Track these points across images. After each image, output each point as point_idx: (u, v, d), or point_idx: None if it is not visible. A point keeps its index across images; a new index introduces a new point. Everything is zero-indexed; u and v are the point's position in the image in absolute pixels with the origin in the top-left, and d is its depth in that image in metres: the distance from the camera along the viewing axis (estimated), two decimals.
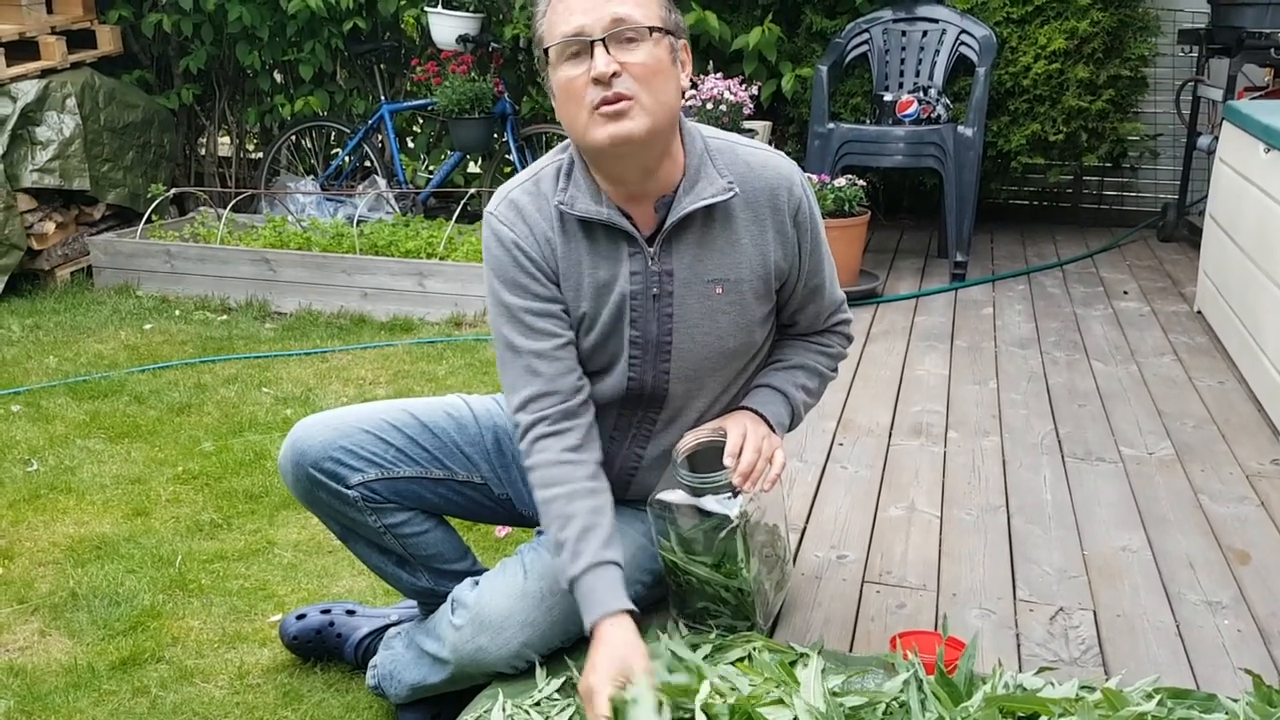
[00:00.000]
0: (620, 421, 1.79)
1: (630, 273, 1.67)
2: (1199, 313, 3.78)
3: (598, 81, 1.54)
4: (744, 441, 1.69)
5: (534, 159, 5.03)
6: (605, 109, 1.55)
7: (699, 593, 1.77)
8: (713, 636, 1.73)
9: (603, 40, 1.53)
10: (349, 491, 1.76)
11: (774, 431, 1.77)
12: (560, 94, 1.59)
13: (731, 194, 1.66)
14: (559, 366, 1.69)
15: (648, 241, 1.67)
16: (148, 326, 4.18)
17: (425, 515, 1.85)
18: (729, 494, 1.69)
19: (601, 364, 1.74)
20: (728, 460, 1.67)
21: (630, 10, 1.54)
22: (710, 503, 1.69)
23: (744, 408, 1.79)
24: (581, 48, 1.55)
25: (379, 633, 2.00)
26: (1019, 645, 1.87)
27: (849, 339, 1.93)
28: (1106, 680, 1.68)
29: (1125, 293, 4.10)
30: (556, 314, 1.70)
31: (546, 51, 1.59)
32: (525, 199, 1.70)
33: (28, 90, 4.62)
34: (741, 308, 1.71)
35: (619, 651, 1.53)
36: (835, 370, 1.92)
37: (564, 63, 1.57)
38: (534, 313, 1.69)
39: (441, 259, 4.32)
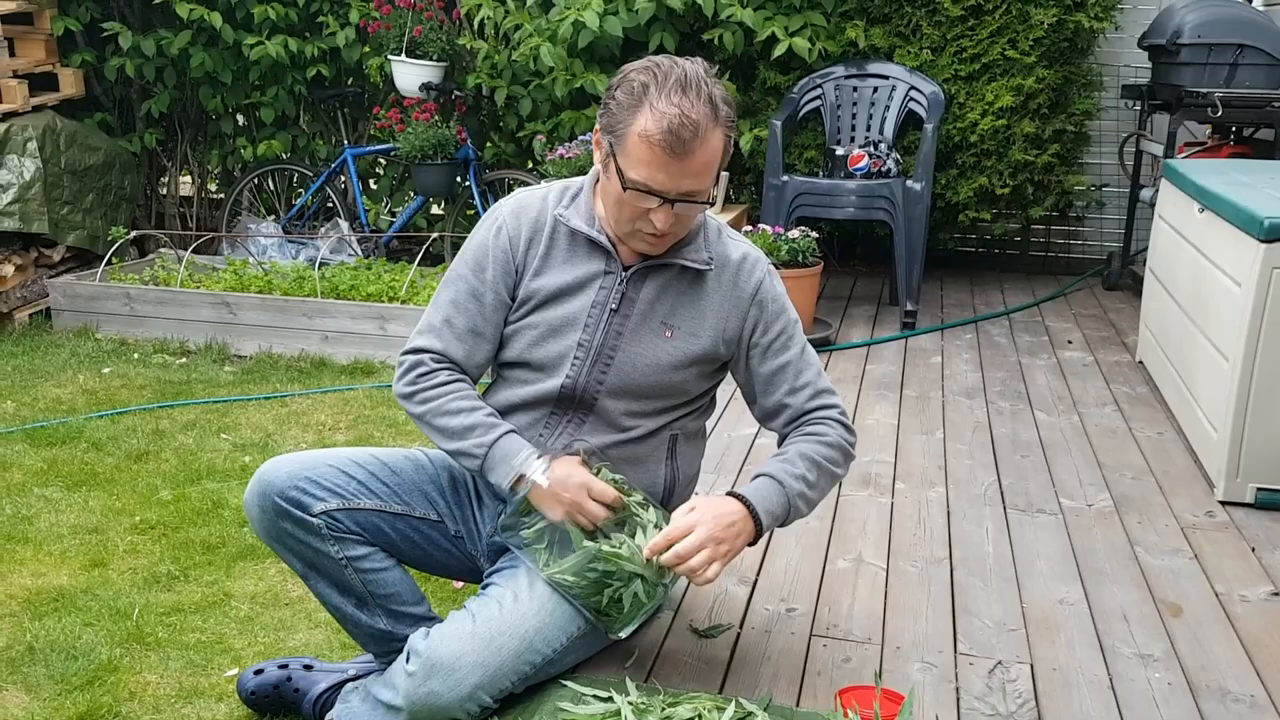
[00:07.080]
0: (550, 419, 1.93)
1: (599, 286, 1.88)
2: (1140, 363, 3.90)
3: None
4: (687, 535, 1.75)
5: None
6: (647, 237, 1.81)
7: (596, 584, 1.82)
8: (662, 698, 1.78)
9: (671, 202, 1.75)
10: (313, 519, 1.85)
11: (760, 527, 1.81)
12: (613, 192, 1.79)
13: (708, 269, 1.91)
14: (459, 348, 1.90)
15: (624, 268, 1.88)
16: (106, 370, 4.18)
17: (385, 554, 1.94)
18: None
19: (548, 361, 1.90)
20: (648, 553, 1.76)
21: (703, 184, 1.76)
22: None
23: (735, 495, 1.83)
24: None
25: (336, 688, 2.02)
26: (958, 699, 1.93)
27: (845, 426, 1.95)
28: None
29: (1070, 342, 4.22)
30: (490, 307, 1.90)
31: (617, 141, 1.75)
32: (532, 200, 1.94)
33: None
34: (685, 354, 1.91)
35: (565, 467, 1.82)
36: (840, 462, 1.93)
37: (631, 192, 1.75)
38: (474, 294, 1.90)
39: (403, 303, 4.36)
